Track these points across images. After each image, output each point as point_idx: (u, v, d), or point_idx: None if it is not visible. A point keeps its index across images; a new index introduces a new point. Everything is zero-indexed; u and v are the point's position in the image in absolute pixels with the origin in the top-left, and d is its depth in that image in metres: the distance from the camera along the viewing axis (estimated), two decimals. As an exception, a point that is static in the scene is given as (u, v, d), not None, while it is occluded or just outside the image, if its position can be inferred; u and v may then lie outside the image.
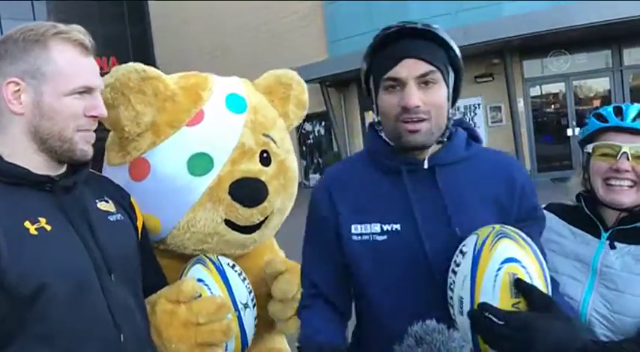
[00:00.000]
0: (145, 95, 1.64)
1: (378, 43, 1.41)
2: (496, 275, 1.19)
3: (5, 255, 1.13)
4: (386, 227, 1.41)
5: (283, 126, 1.94)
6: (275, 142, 1.83)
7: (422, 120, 1.35)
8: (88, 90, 1.30)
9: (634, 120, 1.56)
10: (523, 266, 1.19)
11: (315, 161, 17.65)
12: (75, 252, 1.26)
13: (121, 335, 1.30)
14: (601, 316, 1.53)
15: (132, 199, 1.57)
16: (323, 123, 17.02)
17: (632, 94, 13.22)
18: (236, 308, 1.63)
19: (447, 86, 1.40)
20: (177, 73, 1.87)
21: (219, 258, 1.73)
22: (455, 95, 1.46)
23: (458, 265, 1.28)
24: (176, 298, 1.57)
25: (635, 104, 1.60)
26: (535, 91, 14.10)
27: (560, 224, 1.70)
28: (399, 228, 1.40)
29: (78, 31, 1.30)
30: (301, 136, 17.36)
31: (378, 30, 1.43)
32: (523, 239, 1.25)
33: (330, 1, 15.79)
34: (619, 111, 1.59)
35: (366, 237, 1.43)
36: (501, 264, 1.19)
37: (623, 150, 1.55)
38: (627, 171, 1.54)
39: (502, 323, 1.15)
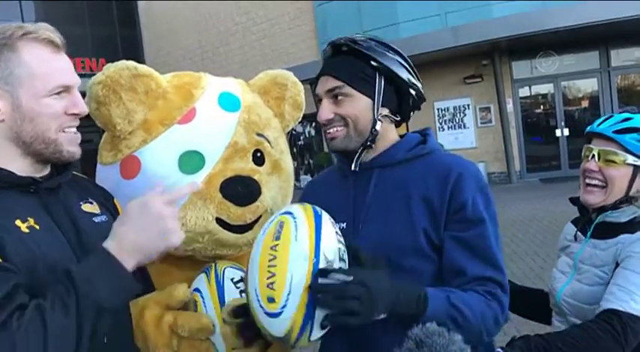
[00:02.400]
0: (136, 93, 1.62)
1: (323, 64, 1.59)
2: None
3: (7, 250, 1.12)
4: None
5: (278, 126, 1.92)
6: (269, 142, 1.80)
7: (337, 128, 1.50)
8: (66, 89, 1.28)
9: (609, 126, 1.71)
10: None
11: (306, 162, 17.65)
12: (63, 251, 1.25)
13: (104, 337, 1.27)
14: (568, 305, 1.73)
15: (115, 201, 1.56)
16: (314, 124, 17.02)
17: (620, 95, 13.35)
18: None
19: (370, 95, 1.49)
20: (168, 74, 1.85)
21: (226, 270, 1.69)
22: (401, 93, 1.53)
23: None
24: (167, 302, 1.56)
25: (628, 114, 1.74)
26: (524, 92, 14.20)
27: (572, 229, 1.88)
28: (344, 227, 1.50)
29: (46, 29, 1.27)
30: (292, 137, 17.34)
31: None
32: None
33: (320, 1, 15.79)
34: (606, 119, 1.76)
35: None
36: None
37: (592, 151, 1.73)
38: (593, 171, 1.71)
39: (349, 279, 1.19)
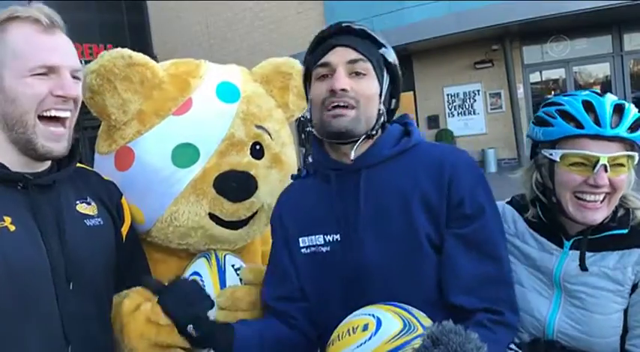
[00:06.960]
0: (131, 82, 1.58)
1: (316, 42, 1.43)
2: None
3: None
4: (328, 237, 1.41)
5: (281, 117, 1.85)
6: (269, 134, 1.74)
7: (348, 106, 1.34)
8: (51, 70, 1.22)
9: (616, 125, 1.30)
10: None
11: (315, 149, 17.61)
12: (33, 255, 1.19)
13: (69, 347, 1.24)
14: (569, 337, 1.37)
15: (123, 200, 1.51)
16: (322, 111, 16.94)
17: (633, 80, 13.17)
18: None
19: (380, 83, 1.39)
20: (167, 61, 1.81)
21: (227, 257, 1.66)
22: (393, 97, 1.45)
23: None
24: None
25: (612, 99, 1.35)
26: (535, 77, 14.03)
27: (523, 226, 1.49)
28: (338, 238, 1.39)
29: (35, 9, 1.23)
30: (300, 124, 17.28)
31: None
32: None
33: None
34: (592, 109, 1.33)
35: (313, 249, 1.43)
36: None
37: (600, 162, 1.29)
38: (603, 185, 1.31)
39: None
